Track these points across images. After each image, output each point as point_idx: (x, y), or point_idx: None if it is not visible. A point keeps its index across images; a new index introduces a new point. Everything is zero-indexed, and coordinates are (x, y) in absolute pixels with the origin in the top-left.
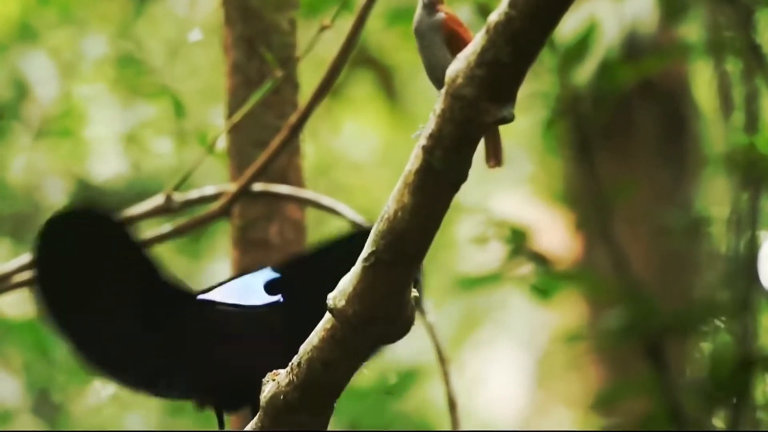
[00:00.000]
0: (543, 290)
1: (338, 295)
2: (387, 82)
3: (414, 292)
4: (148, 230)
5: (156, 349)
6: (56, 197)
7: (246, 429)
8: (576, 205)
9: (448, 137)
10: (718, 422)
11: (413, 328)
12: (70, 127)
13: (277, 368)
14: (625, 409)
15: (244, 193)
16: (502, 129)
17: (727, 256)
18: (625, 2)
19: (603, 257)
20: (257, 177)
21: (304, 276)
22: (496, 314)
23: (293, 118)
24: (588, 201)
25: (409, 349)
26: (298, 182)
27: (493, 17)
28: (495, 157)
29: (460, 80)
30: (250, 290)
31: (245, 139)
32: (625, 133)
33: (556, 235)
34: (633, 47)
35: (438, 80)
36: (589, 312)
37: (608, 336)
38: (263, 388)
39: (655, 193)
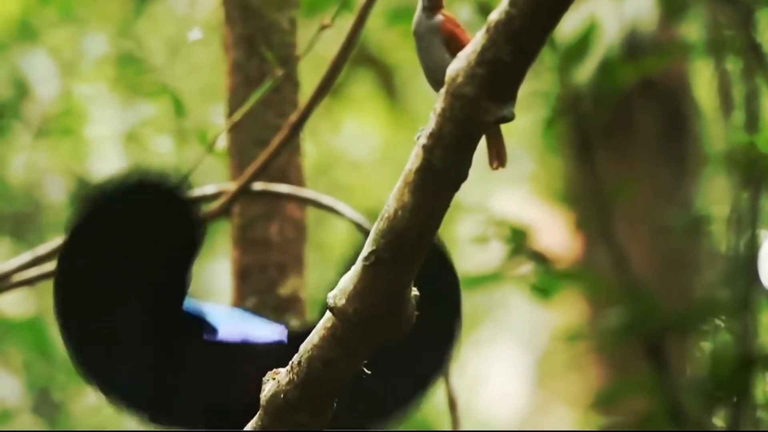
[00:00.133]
0: (543, 289)
1: (338, 293)
2: (387, 81)
3: (414, 291)
4: None
5: (160, 372)
6: (56, 196)
7: (246, 428)
8: (576, 204)
9: (449, 136)
10: (719, 421)
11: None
12: (71, 126)
13: None
14: (625, 409)
15: (244, 192)
16: (503, 128)
17: (727, 255)
18: (625, 1)
19: (603, 256)
20: (257, 176)
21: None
22: (497, 313)
23: (293, 117)
24: (588, 200)
25: None
26: (299, 181)
27: (494, 16)
28: (498, 158)
29: (460, 79)
30: (255, 326)
31: (245, 138)
32: (625, 132)
33: (556, 234)
34: (633, 46)
35: (437, 82)
36: (590, 311)
37: (608, 335)
38: (263, 387)
39: (655, 192)
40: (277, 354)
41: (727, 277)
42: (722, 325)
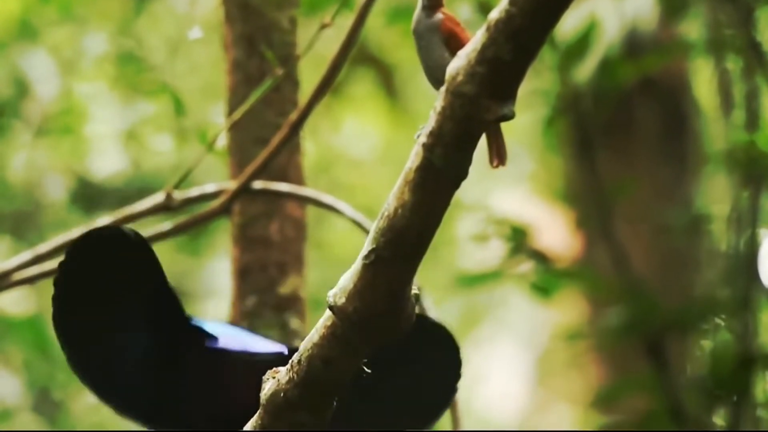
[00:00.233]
0: (543, 288)
1: (338, 292)
2: (387, 80)
3: (414, 289)
4: (148, 228)
5: (159, 382)
6: (56, 195)
7: (246, 426)
8: (576, 202)
9: (449, 135)
10: (719, 420)
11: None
12: (71, 125)
13: None
14: (625, 407)
15: (244, 191)
16: (503, 127)
17: (727, 254)
18: (625, 0)
19: (603, 255)
20: (257, 175)
21: None
22: (497, 312)
23: (293, 116)
24: (588, 199)
25: None
26: (299, 180)
27: (494, 14)
28: (499, 157)
29: (460, 77)
30: (255, 339)
31: (245, 137)
32: (625, 130)
33: (556, 232)
34: (633, 45)
35: (437, 80)
36: (590, 310)
37: (608, 334)
38: (263, 385)
39: (655, 190)
40: (276, 365)
41: (728, 275)
42: (722, 323)
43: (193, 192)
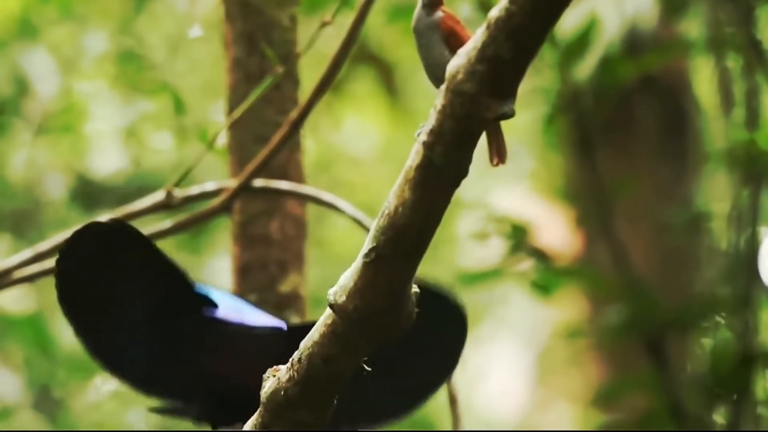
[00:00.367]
0: (543, 286)
1: (339, 290)
2: (388, 78)
3: (414, 288)
4: (148, 226)
5: (163, 352)
6: (57, 193)
7: (246, 425)
8: (576, 201)
9: (449, 133)
10: (719, 418)
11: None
12: (71, 123)
13: None
14: (625, 405)
15: (244, 189)
16: (503, 125)
17: (727, 253)
18: None
19: (603, 253)
20: (258, 173)
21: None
22: (497, 310)
23: (294, 114)
24: (588, 197)
25: None
26: (299, 178)
27: (494, 13)
28: (498, 155)
29: (460, 76)
30: (255, 313)
31: (246, 135)
32: (625, 129)
33: (556, 231)
34: (634, 43)
35: (437, 79)
36: (590, 308)
37: (609, 332)
38: (264, 384)
39: (655, 189)
40: (273, 339)
41: (728, 274)
42: (723, 322)
43: (194, 190)
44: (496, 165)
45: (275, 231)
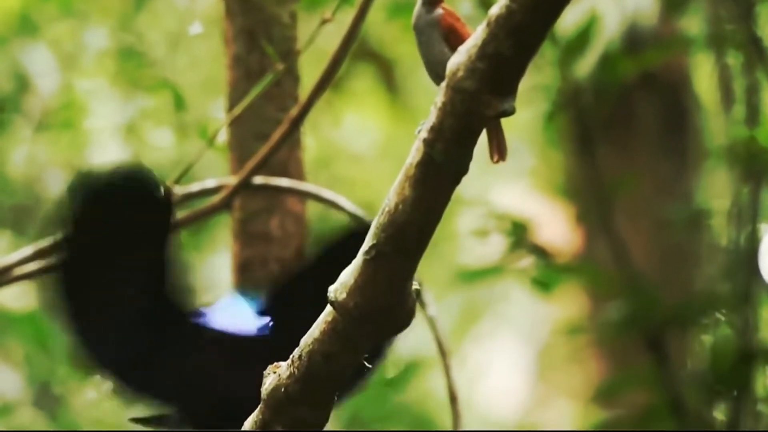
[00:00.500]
0: (544, 283)
1: (339, 287)
2: (388, 75)
3: (415, 285)
4: None
5: (151, 355)
6: (57, 189)
7: (247, 422)
8: (577, 197)
9: (449, 130)
10: (719, 415)
11: (414, 321)
12: (71, 120)
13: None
14: (625, 402)
15: (244, 186)
16: (504, 122)
17: (727, 249)
18: None
19: (604, 250)
20: (258, 170)
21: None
22: (497, 307)
23: (294, 111)
24: (589, 194)
25: (409, 342)
26: (299, 175)
27: (494, 10)
28: (499, 151)
29: (461, 73)
30: (243, 315)
31: (246, 132)
32: (626, 125)
33: (556, 227)
34: (634, 40)
35: (437, 76)
36: (590, 305)
37: (609, 328)
38: (264, 380)
39: (656, 185)
40: (257, 345)
41: (728, 270)
42: (723, 318)
43: (194, 187)
44: (497, 162)
45: (275, 228)
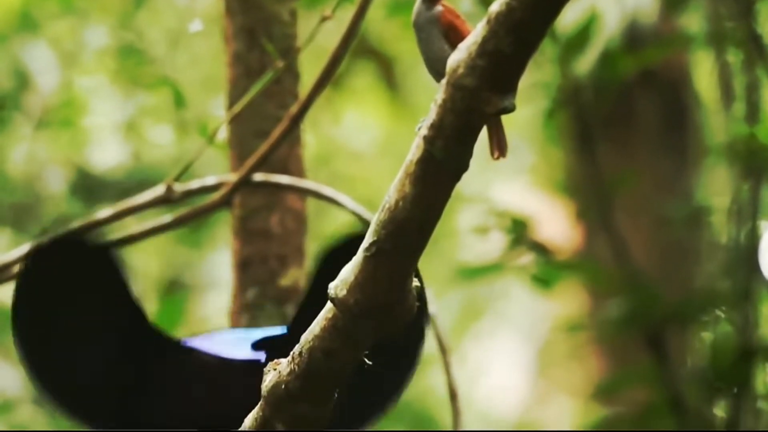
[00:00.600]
0: (544, 280)
1: (339, 284)
2: (388, 72)
3: (415, 282)
4: (148, 220)
5: (130, 388)
6: (57, 187)
7: (247, 420)
8: (577, 194)
9: (449, 127)
10: (719, 412)
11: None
12: (71, 117)
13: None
14: (625, 399)
15: (244, 184)
16: (504, 119)
17: (727, 246)
18: None
19: (604, 247)
20: (258, 167)
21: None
22: (497, 304)
23: (294, 109)
24: (589, 191)
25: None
26: (299, 172)
27: (495, 7)
28: (499, 148)
29: (461, 70)
30: (238, 344)
31: (246, 130)
32: (626, 123)
33: (557, 224)
34: (634, 37)
35: (437, 73)
36: (590, 302)
37: (609, 326)
38: (265, 377)
39: (656, 183)
40: (249, 372)
41: (728, 268)
42: (723, 316)
43: (194, 184)
44: (497, 159)
45: (275, 225)
